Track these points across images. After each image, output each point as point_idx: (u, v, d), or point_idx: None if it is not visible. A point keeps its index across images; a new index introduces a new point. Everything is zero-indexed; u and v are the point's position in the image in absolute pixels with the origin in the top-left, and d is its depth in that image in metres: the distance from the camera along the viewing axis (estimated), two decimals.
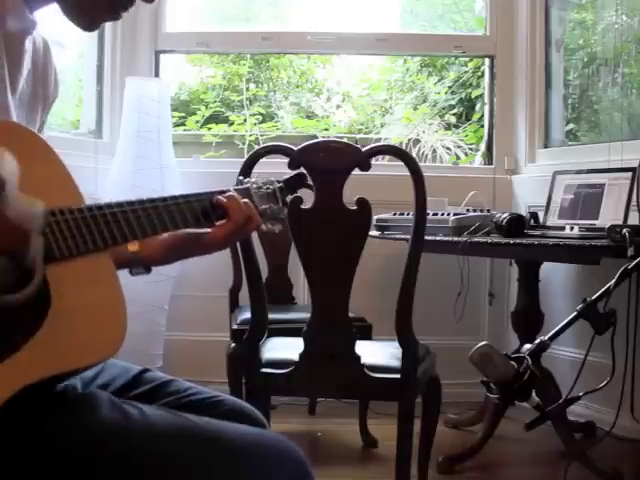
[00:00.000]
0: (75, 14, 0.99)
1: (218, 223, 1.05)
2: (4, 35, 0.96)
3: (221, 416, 1.03)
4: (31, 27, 1.00)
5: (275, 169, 2.47)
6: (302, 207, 1.74)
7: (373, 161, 1.74)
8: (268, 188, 1.16)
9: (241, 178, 1.16)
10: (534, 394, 1.52)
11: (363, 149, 1.74)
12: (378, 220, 2.66)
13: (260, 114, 4.35)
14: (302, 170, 1.28)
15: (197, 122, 4.14)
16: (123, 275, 0.97)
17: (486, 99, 3.55)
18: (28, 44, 1.02)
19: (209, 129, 4.11)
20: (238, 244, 1.92)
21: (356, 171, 1.73)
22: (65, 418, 0.88)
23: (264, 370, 1.81)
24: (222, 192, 1.07)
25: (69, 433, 0.86)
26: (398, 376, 1.75)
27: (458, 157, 4.06)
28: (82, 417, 0.89)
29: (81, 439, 0.86)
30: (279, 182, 1.19)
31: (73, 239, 0.82)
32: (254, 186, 1.14)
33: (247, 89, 4.42)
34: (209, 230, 1.05)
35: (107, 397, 0.93)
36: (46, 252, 0.78)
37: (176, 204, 0.98)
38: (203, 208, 1.03)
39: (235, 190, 1.09)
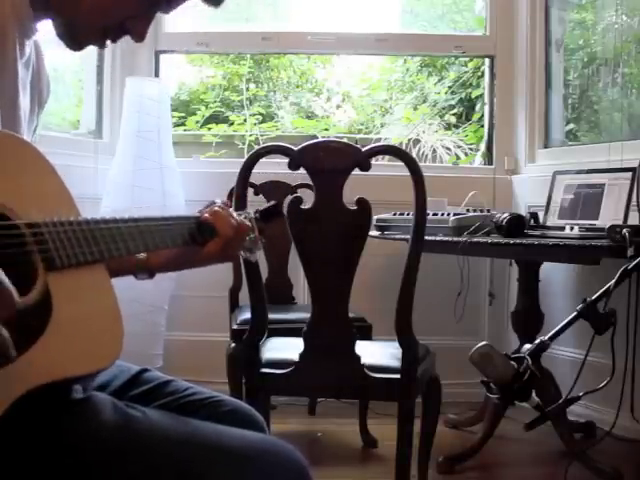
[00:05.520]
0: (64, 35, 1.00)
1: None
2: (19, 40, 0.97)
3: (220, 416, 1.03)
4: (32, 33, 1.01)
5: (275, 169, 2.50)
6: (302, 207, 1.74)
7: (373, 161, 1.74)
8: (245, 217, 1.18)
9: (217, 201, 1.17)
10: (534, 394, 1.52)
11: (363, 149, 1.74)
12: (378, 220, 2.66)
13: (260, 114, 4.35)
14: (276, 201, 1.31)
15: (197, 122, 4.14)
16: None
17: (486, 99, 3.55)
18: (27, 49, 1.02)
19: (209, 129, 4.11)
20: None
21: (356, 171, 1.73)
22: (68, 422, 0.88)
23: (264, 370, 1.81)
24: (210, 204, 1.12)
25: (72, 437, 0.86)
26: (398, 376, 1.75)
27: (458, 157, 4.06)
28: (85, 420, 0.89)
29: (84, 442, 0.86)
30: (255, 212, 1.23)
31: (73, 249, 0.83)
32: (234, 213, 1.16)
33: (247, 89, 4.42)
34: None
35: (110, 400, 0.93)
36: (48, 261, 0.78)
37: (166, 225, 1.02)
38: (190, 230, 1.07)
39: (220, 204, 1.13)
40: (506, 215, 2.39)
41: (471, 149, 4.05)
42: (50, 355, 0.78)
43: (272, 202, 1.30)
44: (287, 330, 2.09)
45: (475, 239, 2.33)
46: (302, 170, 1.75)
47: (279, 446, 0.97)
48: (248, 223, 1.16)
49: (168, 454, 0.89)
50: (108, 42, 1.03)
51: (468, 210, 2.69)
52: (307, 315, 1.79)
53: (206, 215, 1.10)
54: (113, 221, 0.92)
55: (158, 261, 1.12)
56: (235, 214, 1.14)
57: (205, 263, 1.14)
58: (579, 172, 2.66)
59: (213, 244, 1.09)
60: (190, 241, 1.08)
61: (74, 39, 1.01)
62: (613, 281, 1.56)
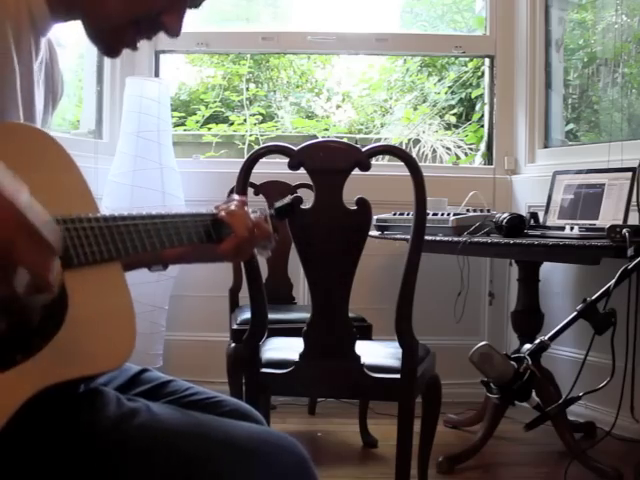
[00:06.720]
0: (95, 39, 0.99)
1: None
2: (34, 38, 0.97)
3: (221, 416, 1.03)
4: (46, 32, 1.01)
5: (275, 169, 2.50)
6: (302, 207, 1.74)
7: (373, 161, 1.74)
8: (260, 215, 1.18)
9: (236, 197, 1.17)
10: (534, 394, 1.53)
11: (363, 149, 1.74)
12: (378, 220, 2.66)
13: (260, 114, 4.35)
14: (294, 197, 1.29)
15: (197, 122, 4.14)
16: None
17: (486, 99, 3.55)
18: (42, 47, 1.02)
19: (209, 129, 4.10)
20: None
21: (356, 171, 1.73)
22: (76, 414, 0.89)
23: (264, 370, 1.81)
24: (229, 200, 1.12)
25: (80, 430, 0.87)
26: (398, 376, 1.75)
27: (458, 157, 4.06)
28: (94, 412, 0.90)
29: (91, 435, 0.87)
30: (270, 209, 1.22)
31: (90, 247, 0.83)
32: (250, 211, 1.15)
33: (247, 89, 4.42)
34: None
35: (114, 394, 0.94)
36: (65, 258, 0.78)
37: (183, 222, 1.02)
38: (206, 228, 1.07)
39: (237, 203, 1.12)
40: (506, 215, 2.39)
41: (471, 149, 4.05)
42: (65, 354, 0.78)
43: (288, 197, 1.28)
44: (287, 330, 2.10)
45: (475, 239, 2.33)
46: (302, 170, 1.75)
47: (282, 438, 0.98)
48: (265, 224, 1.15)
49: (172, 444, 0.89)
50: (139, 43, 1.02)
51: (468, 210, 2.69)
52: (307, 315, 1.79)
53: (223, 214, 1.09)
54: (131, 218, 0.92)
55: (173, 254, 1.12)
56: (251, 212, 1.14)
57: (219, 260, 1.14)
58: (579, 172, 2.66)
59: (228, 243, 1.09)
60: (206, 239, 1.07)
61: (106, 41, 1.00)
62: (613, 281, 1.56)
